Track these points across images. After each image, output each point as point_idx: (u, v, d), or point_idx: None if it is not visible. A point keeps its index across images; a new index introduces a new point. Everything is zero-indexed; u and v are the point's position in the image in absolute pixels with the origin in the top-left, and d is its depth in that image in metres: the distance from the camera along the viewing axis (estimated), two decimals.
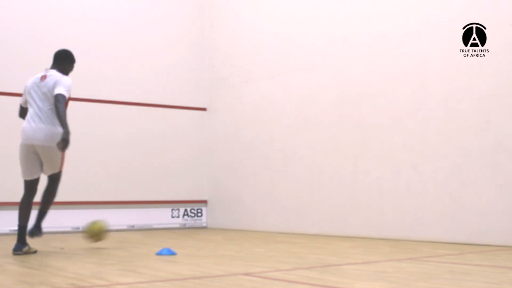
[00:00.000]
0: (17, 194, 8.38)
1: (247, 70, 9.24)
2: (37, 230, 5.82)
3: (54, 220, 8.56)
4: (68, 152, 8.83)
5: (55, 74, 5.75)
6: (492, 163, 6.30)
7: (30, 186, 5.78)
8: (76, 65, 9.35)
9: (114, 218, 8.85)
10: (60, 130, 5.56)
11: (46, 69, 5.88)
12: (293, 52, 8.53)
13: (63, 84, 5.61)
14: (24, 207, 5.71)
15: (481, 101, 6.43)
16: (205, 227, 9.75)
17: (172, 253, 5.42)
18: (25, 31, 8.59)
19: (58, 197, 8.76)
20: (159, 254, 5.41)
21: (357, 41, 7.70)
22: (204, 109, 9.94)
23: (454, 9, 6.72)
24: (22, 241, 5.58)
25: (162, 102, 9.60)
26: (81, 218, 8.76)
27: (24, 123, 5.74)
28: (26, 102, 5.82)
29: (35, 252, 5.67)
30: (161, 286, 3.71)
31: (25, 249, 5.54)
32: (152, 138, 9.33)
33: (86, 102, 8.88)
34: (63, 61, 5.94)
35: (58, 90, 5.56)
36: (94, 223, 6.32)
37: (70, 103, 9.27)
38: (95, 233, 6.25)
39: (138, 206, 8.93)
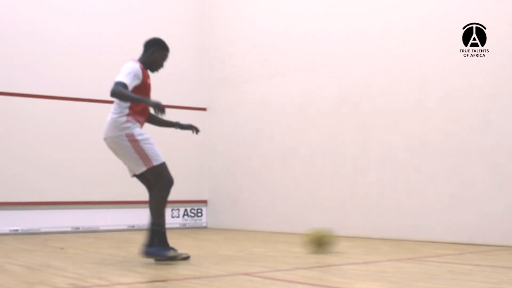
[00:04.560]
0: (17, 194, 8.48)
1: (247, 70, 9.24)
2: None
3: (54, 220, 8.59)
4: (68, 152, 8.88)
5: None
6: (492, 163, 6.30)
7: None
8: (75, 66, 9.36)
9: (114, 218, 8.87)
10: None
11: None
12: (293, 52, 8.53)
13: (122, 71, 5.19)
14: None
15: (481, 101, 6.43)
16: (205, 227, 9.74)
17: None
18: (26, 31, 8.59)
19: (58, 197, 8.87)
20: None
21: (357, 41, 7.70)
22: (204, 109, 9.94)
23: (454, 9, 6.72)
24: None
25: (162, 102, 9.58)
26: (81, 218, 8.78)
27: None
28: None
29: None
30: (161, 286, 3.71)
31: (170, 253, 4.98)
32: (152, 138, 9.31)
33: (85, 102, 8.89)
34: (143, 49, 5.61)
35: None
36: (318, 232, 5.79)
37: (70, 102, 9.37)
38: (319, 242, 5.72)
39: (138, 206, 8.90)
